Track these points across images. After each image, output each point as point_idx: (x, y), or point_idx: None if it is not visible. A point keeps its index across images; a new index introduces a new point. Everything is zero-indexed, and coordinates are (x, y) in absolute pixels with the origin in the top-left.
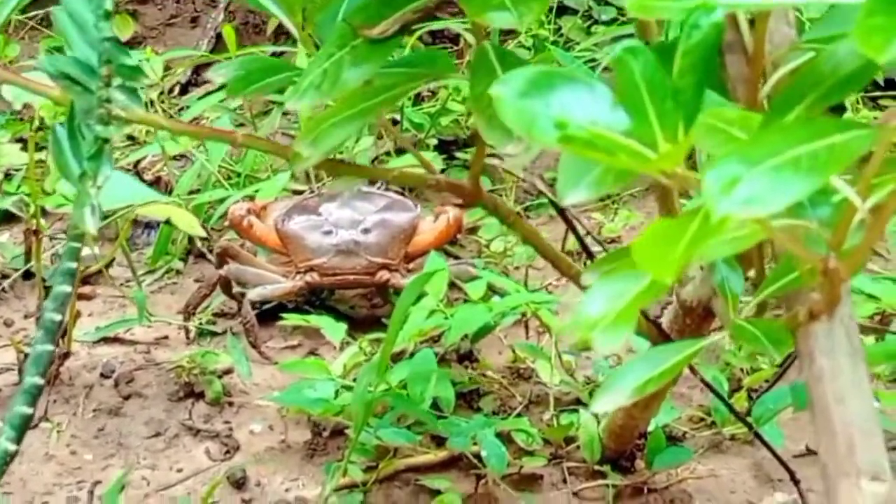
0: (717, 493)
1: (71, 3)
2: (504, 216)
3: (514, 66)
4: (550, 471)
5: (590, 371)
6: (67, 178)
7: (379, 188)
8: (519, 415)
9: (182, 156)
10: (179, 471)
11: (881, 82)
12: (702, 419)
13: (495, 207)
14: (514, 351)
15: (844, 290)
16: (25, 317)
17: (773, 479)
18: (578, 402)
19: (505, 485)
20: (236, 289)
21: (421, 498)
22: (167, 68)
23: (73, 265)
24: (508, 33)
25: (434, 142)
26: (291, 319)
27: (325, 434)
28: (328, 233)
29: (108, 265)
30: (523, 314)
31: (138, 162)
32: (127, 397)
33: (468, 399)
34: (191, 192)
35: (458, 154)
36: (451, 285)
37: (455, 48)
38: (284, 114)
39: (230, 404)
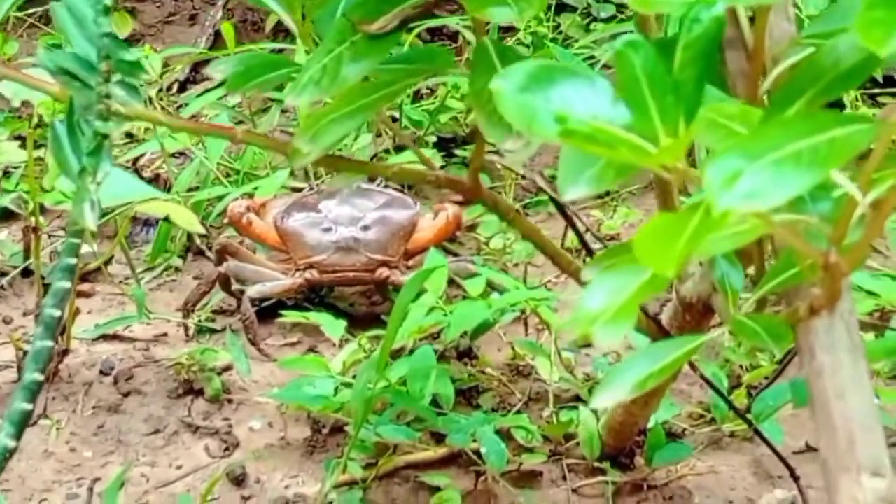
0: (717, 489)
1: None
2: (504, 212)
3: (514, 61)
4: (550, 468)
5: (589, 368)
6: (67, 174)
7: (378, 185)
8: (518, 412)
9: (181, 153)
10: (179, 468)
11: (880, 79)
12: (701, 416)
13: (495, 204)
14: (513, 348)
15: (845, 286)
16: (24, 314)
17: (772, 476)
18: (578, 398)
19: (504, 481)
20: (235, 286)
21: (420, 494)
22: (165, 66)
23: (73, 261)
24: (507, 31)
25: (433, 139)
26: (291, 316)
27: (325, 431)
28: (328, 230)
29: (107, 263)
30: (523, 311)
31: (137, 159)
32: (126, 394)
33: (467, 396)
34: (190, 190)
35: (457, 151)
36: (451, 282)
37: (454, 46)
38: (283, 111)
39: (229, 401)
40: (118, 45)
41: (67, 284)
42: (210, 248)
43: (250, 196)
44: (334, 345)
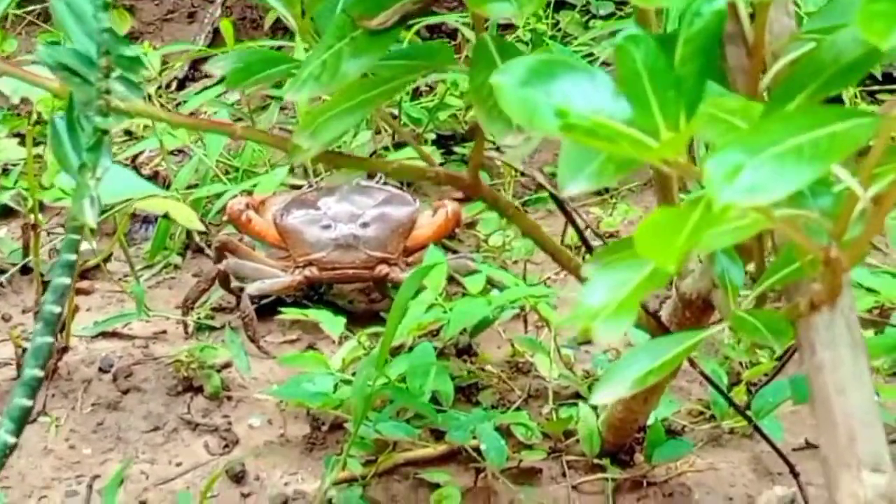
0: (717, 486)
1: None
2: (503, 209)
3: (514, 57)
4: (549, 464)
5: (588, 365)
6: (66, 170)
7: (377, 182)
8: (518, 408)
9: (180, 151)
10: (178, 465)
11: (879, 76)
12: (701, 413)
13: (495, 200)
14: (512, 345)
15: (845, 282)
16: (23, 311)
17: (772, 473)
18: (577, 395)
19: (504, 478)
20: (234, 283)
21: (420, 491)
22: (164, 63)
23: (73, 257)
24: (506, 28)
25: (432, 136)
26: (290, 314)
27: (324, 428)
28: (327, 227)
29: (106, 260)
30: (522, 308)
31: (136, 157)
32: (125, 391)
33: (467, 393)
34: (189, 187)
35: (456, 149)
36: (450, 279)
37: (453, 43)
38: (282, 108)
39: (229, 398)
40: (118, 40)
41: (67, 280)
42: (209, 246)
43: (249, 193)
44: (333, 342)
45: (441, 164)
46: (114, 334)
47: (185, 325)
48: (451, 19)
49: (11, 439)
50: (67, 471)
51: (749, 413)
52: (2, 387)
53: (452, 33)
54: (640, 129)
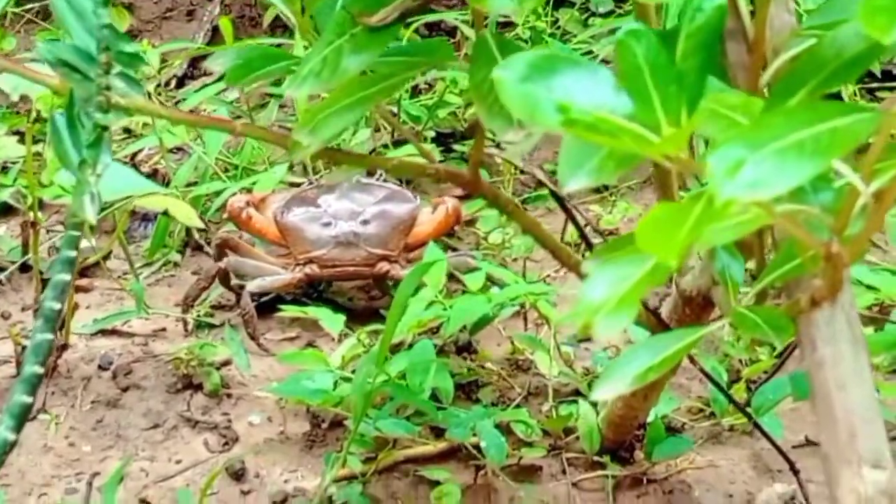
0: (717, 483)
1: None
2: (504, 206)
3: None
4: (550, 462)
5: (588, 362)
6: (67, 167)
7: (378, 180)
8: (518, 406)
9: (179, 149)
10: (178, 462)
11: (878, 74)
12: (701, 410)
13: (495, 197)
14: (512, 342)
15: (845, 278)
16: (23, 309)
17: (772, 470)
18: (577, 393)
19: (504, 476)
20: (234, 281)
21: (420, 489)
22: (163, 61)
23: (73, 253)
24: (505, 26)
25: (431, 134)
26: (290, 311)
27: (324, 425)
28: (327, 224)
29: (106, 257)
30: (522, 306)
31: (135, 154)
32: (125, 389)
33: (467, 390)
34: (188, 185)
35: (456, 146)
36: (451, 277)
37: (452, 41)
38: (281, 107)
39: (228, 396)
40: (118, 36)
41: (67, 277)
42: (208, 243)
43: (248, 191)
44: (333, 339)
45: (440, 162)
46: (113, 332)
47: (185, 323)
48: (450, 17)
49: (12, 436)
50: (67, 468)
51: (749, 410)
52: (1, 384)
53: (451, 31)
54: (642, 124)
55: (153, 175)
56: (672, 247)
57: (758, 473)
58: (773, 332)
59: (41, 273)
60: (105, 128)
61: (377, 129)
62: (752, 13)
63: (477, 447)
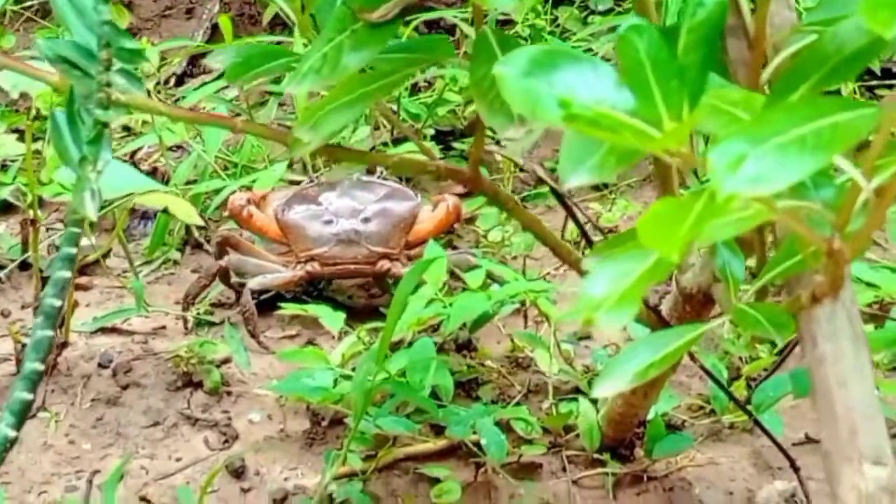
0: (717, 480)
1: None
2: (504, 203)
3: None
4: (550, 459)
5: (588, 360)
6: (67, 163)
7: (378, 177)
8: (518, 403)
9: (178, 147)
10: (178, 460)
11: (878, 72)
12: (701, 407)
13: (495, 194)
14: (512, 340)
15: (846, 275)
16: (22, 307)
17: (772, 467)
18: (577, 390)
19: (504, 473)
20: (234, 279)
21: (420, 486)
22: (163, 59)
23: (73, 251)
24: (505, 24)
25: (431, 132)
26: (290, 309)
27: (324, 423)
28: (328, 222)
29: (105, 256)
30: (522, 303)
31: (135, 152)
32: (125, 387)
33: (467, 388)
34: (187, 183)
35: (455, 144)
36: (451, 274)
37: (451, 39)
38: (280, 105)
39: (228, 394)
40: (118, 33)
41: (68, 274)
42: (208, 241)
43: (248, 189)
44: (333, 337)
45: (440, 159)
46: (113, 330)
47: (185, 321)
48: (449, 15)
49: (12, 433)
50: (67, 466)
51: (749, 407)
52: (1, 382)
53: (451, 30)
54: (643, 119)
55: (153, 173)
56: (674, 242)
57: (758, 471)
58: (773, 328)
59: (41, 271)
60: (105, 124)
61: (377, 127)
62: (753, 10)
63: (477, 445)
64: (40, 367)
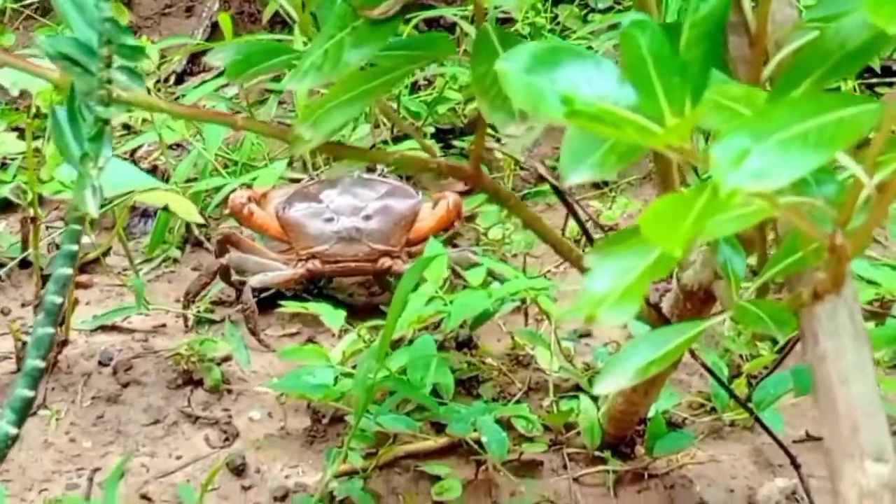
0: (718, 478)
1: None
2: (505, 200)
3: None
4: (550, 457)
5: (589, 357)
6: (68, 160)
7: (379, 175)
8: (518, 401)
9: (178, 145)
10: (179, 458)
11: (878, 69)
12: (701, 405)
13: (496, 191)
14: (513, 338)
15: (847, 272)
16: (23, 305)
17: (773, 465)
18: (578, 388)
19: (505, 471)
20: (235, 277)
21: (421, 484)
22: (162, 58)
23: (74, 248)
24: (505, 22)
25: (431, 130)
26: (290, 307)
27: (325, 421)
28: (330, 220)
29: (105, 254)
30: (523, 301)
31: (135, 151)
32: (125, 385)
33: (467, 386)
34: (187, 181)
35: (455, 142)
36: (452, 272)
37: (451, 38)
38: (280, 103)
39: (229, 391)
40: (119, 29)
41: (69, 271)
42: (208, 239)
43: (248, 187)
44: (333, 335)
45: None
46: (113, 328)
47: (185, 319)
48: (449, 13)
49: (13, 430)
50: (68, 464)
51: (750, 405)
52: (1, 380)
53: (450, 28)
54: (645, 115)
55: (152, 171)
56: (677, 238)
57: (759, 468)
58: (775, 325)
59: (41, 269)
60: (106, 121)
61: (376, 126)
62: (754, 7)
63: (478, 442)
64: (42, 364)
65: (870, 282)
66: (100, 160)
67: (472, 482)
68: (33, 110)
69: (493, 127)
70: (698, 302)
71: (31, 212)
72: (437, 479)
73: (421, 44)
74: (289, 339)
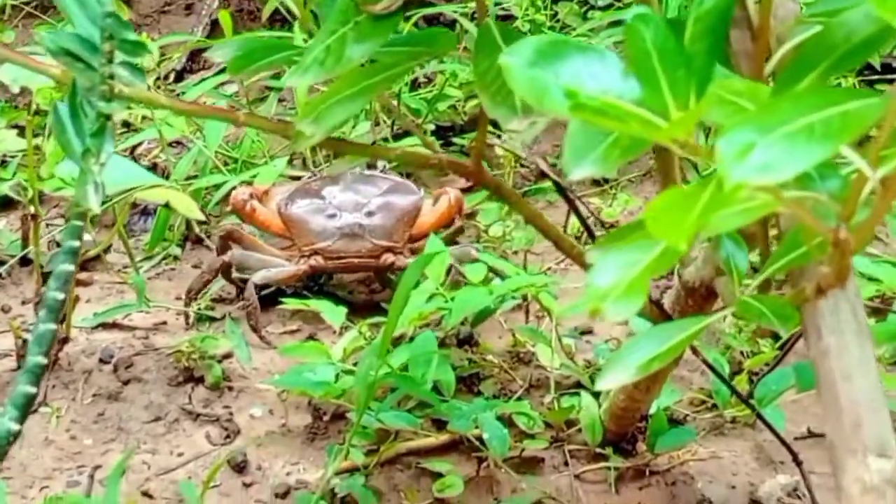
0: (719, 474)
1: None
2: (506, 196)
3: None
4: (552, 454)
5: (590, 354)
6: (70, 156)
7: (381, 172)
8: (519, 398)
9: (178, 142)
10: (180, 455)
11: (878, 66)
12: (703, 402)
13: (497, 187)
14: (514, 335)
15: (851, 267)
16: (23, 303)
17: (774, 461)
18: (579, 385)
19: (506, 468)
20: (235, 274)
21: (422, 481)
22: (162, 55)
23: (76, 244)
24: (504, 20)
25: (431, 127)
26: (291, 304)
27: (326, 418)
28: (332, 216)
29: (106, 251)
30: (524, 298)
31: (134, 148)
32: (126, 382)
33: (468, 383)
34: (188, 178)
35: (455, 140)
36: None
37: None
38: (280, 100)
39: (230, 389)
40: (121, 25)
41: (71, 267)
42: (209, 237)
43: (249, 184)
44: (334, 332)
45: None
46: (114, 325)
47: (186, 316)
48: (449, 10)
49: (15, 426)
50: (69, 461)
51: (752, 402)
52: (2, 378)
53: (450, 25)
54: (650, 108)
55: (152, 169)
56: (681, 232)
57: (760, 465)
58: (778, 320)
59: (41, 266)
60: (108, 117)
61: (376, 123)
62: (757, 1)
63: (479, 439)
64: (43, 360)
65: (871, 278)
66: (101, 156)
67: (473, 479)
68: (33, 107)
69: (494, 123)
70: (700, 298)
71: (32, 209)
72: (439, 475)
73: (423, 40)
74: (290, 337)
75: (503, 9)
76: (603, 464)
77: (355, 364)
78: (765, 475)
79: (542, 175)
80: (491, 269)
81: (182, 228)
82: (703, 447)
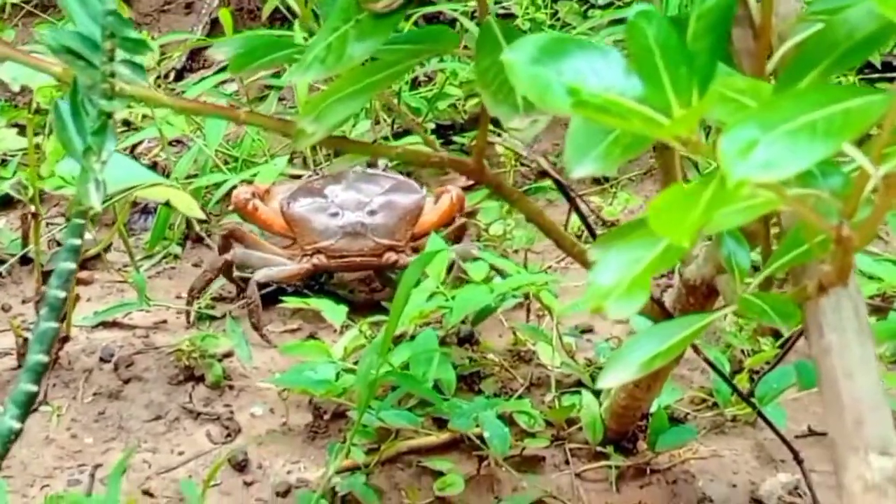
0: (720, 473)
1: None
2: (507, 194)
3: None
4: (553, 452)
5: (591, 353)
6: (71, 154)
7: (382, 171)
8: (520, 397)
9: (178, 141)
10: (181, 454)
11: (878, 65)
12: (703, 400)
13: (498, 186)
14: (514, 333)
15: (852, 264)
16: (23, 301)
17: (775, 460)
18: (580, 383)
19: (507, 466)
20: (236, 273)
21: (423, 479)
22: (162, 54)
23: (77, 242)
24: (505, 18)
25: (431, 126)
26: (292, 302)
27: (327, 417)
28: (334, 215)
29: (106, 250)
30: (525, 296)
31: (135, 147)
32: (127, 381)
33: (469, 382)
34: (188, 177)
35: (456, 138)
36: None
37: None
38: (280, 99)
39: (230, 387)
40: (122, 23)
41: (72, 265)
42: (209, 235)
43: (249, 183)
44: (335, 331)
45: None
46: (114, 324)
47: (187, 315)
48: (449, 8)
49: (17, 425)
50: (69, 460)
51: (752, 400)
52: (2, 376)
53: (450, 24)
54: (652, 106)
55: (153, 167)
56: (684, 229)
57: (761, 463)
58: (780, 318)
59: (42, 265)
60: (110, 115)
61: (377, 122)
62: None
63: (480, 438)
64: (45, 358)
65: (872, 276)
66: (103, 154)
67: (474, 477)
68: (34, 106)
69: (494, 122)
70: (701, 297)
71: (32, 208)
72: (440, 474)
73: (424, 37)
74: (290, 335)
75: (503, 7)
76: (604, 462)
77: (356, 363)
78: (766, 473)
79: (543, 173)
80: (492, 268)
81: (182, 227)
82: (704, 445)
